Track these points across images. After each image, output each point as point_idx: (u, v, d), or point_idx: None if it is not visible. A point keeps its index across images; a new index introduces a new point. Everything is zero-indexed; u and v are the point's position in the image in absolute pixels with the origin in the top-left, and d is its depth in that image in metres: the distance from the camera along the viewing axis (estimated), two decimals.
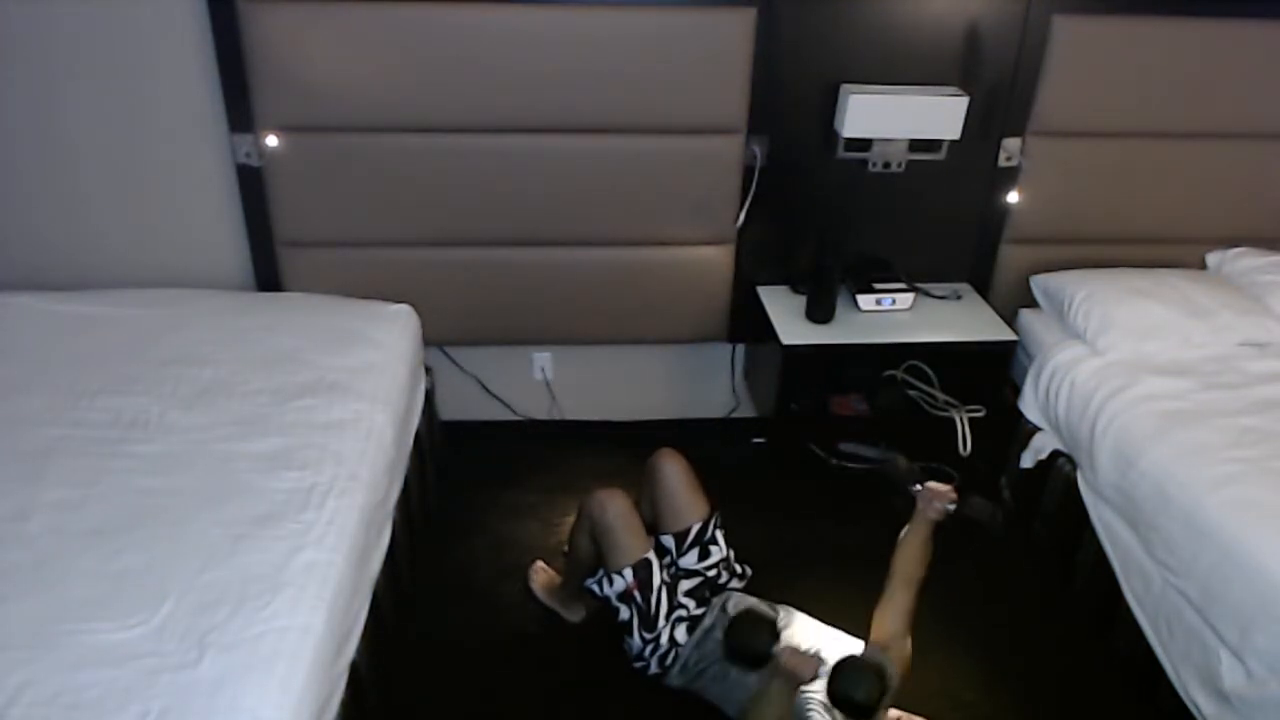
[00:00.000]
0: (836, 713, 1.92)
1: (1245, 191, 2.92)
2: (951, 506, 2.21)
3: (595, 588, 2.25)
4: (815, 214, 2.84)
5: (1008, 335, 2.79)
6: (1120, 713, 2.32)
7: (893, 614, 2.08)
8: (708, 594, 2.26)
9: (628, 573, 2.16)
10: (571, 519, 2.37)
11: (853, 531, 2.82)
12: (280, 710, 1.52)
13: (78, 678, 1.53)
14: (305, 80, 2.47)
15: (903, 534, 2.20)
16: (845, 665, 1.96)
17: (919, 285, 2.88)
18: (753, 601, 2.22)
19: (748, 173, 2.72)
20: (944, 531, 2.23)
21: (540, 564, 2.62)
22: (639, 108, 2.59)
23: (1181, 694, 2.15)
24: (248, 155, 2.57)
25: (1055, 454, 2.69)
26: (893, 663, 2.03)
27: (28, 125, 2.53)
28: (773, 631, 2.07)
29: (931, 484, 2.23)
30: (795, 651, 1.94)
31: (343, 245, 2.74)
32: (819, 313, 2.74)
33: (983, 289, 2.98)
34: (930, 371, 2.91)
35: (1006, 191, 2.83)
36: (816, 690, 1.96)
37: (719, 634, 2.14)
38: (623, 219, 2.76)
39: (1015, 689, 2.35)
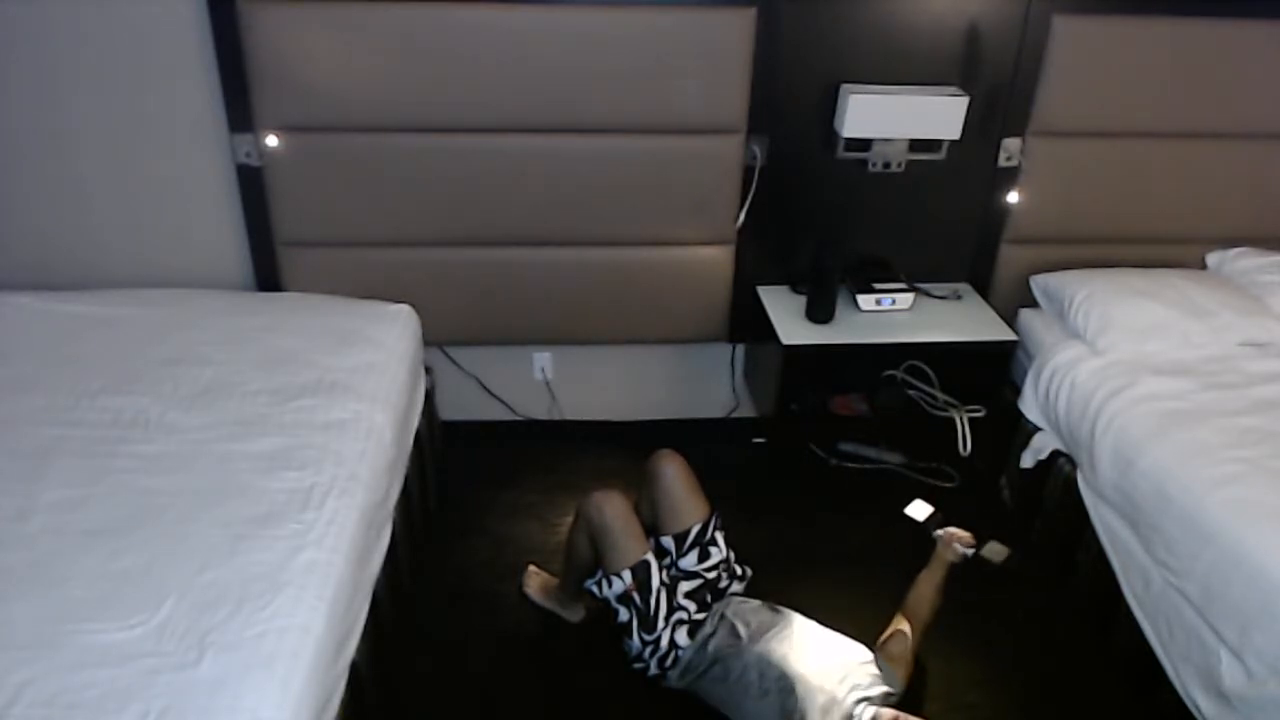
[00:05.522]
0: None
1: (1245, 191, 2.92)
2: (969, 550, 2.28)
3: (594, 589, 2.25)
4: (815, 214, 2.84)
5: (1008, 335, 2.78)
6: (1120, 713, 2.32)
7: (896, 646, 2.15)
8: (708, 597, 2.26)
9: (626, 575, 2.16)
10: (571, 519, 2.37)
11: (853, 532, 2.82)
12: (280, 710, 1.52)
13: (78, 678, 1.53)
14: (305, 80, 2.47)
15: (920, 575, 2.29)
16: None
17: (919, 285, 2.87)
18: (754, 604, 2.23)
19: (748, 173, 2.72)
20: (959, 573, 2.30)
21: (533, 567, 2.61)
22: (639, 108, 2.59)
23: (1181, 694, 2.15)
24: (248, 155, 2.57)
25: (1055, 454, 2.69)
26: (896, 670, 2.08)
27: (28, 125, 2.53)
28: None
29: (951, 529, 2.32)
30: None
31: (343, 245, 2.74)
32: (819, 313, 2.74)
33: (983, 289, 2.98)
34: (930, 371, 2.91)
35: (1006, 191, 2.83)
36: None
37: (719, 640, 2.14)
38: (623, 219, 2.76)
39: (1015, 689, 2.35)
